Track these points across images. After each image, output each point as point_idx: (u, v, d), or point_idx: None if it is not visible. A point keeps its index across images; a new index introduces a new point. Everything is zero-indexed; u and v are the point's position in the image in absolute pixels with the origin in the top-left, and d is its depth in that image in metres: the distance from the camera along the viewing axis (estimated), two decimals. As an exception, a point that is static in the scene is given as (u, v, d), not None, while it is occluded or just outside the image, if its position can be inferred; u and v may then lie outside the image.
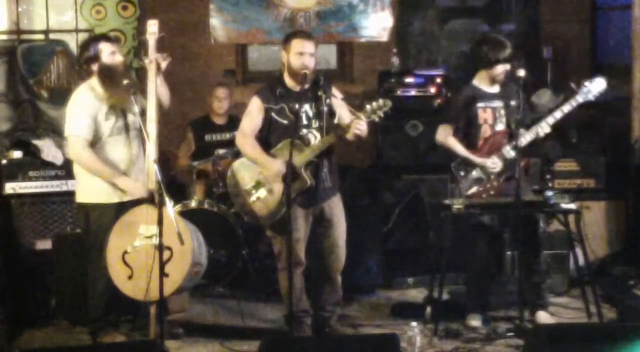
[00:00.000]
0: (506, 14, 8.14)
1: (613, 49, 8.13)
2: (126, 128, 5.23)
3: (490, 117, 5.60)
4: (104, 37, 5.35)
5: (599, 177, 6.91)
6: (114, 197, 5.17)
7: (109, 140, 5.18)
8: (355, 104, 5.61)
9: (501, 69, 5.55)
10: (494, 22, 8.14)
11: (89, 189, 5.22)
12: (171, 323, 5.54)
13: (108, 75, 5.15)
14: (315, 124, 5.29)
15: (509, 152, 5.50)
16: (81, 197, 5.28)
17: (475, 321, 5.58)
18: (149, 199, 5.04)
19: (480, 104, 5.61)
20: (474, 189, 5.57)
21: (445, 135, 5.68)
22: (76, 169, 5.29)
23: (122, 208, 5.15)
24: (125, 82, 5.03)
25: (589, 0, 8.25)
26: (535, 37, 7.85)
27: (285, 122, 5.24)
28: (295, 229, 5.18)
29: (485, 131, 5.61)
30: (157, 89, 5.15)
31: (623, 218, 6.83)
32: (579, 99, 5.49)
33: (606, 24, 8.27)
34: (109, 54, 5.19)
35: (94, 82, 5.22)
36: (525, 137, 5.44)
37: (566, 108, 5.49)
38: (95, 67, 5.19)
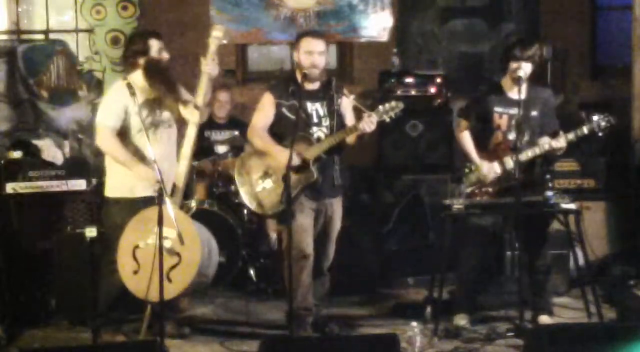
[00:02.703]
0: (506, 14, 8.14)
1: (613, 49, 8.14)
2: (157, 125, 5.24)
3: (505, 124, 5.50)
4: (154, 34, 5.39)
5: (599, 177, 6.91)
6: (136, 192, 5.17)
7: (137, 135, 5.19)
8: (367, 103, 5.65)
9: (515, 66, 5.40)
10: (494, 22, 8.15)
11: (114, 183, 5.26)
12: (178, 322, 5.54)
13: (155, 70, 5.20)
14: (325, 122, 5.34)
15: (510, 162, 5.44)
16: (108, 192, 5.32)
17: (462, 320, 5.59)
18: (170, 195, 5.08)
19: (497, 109, 5.53)
20: (470, 189, 5.58)
21: (460, 130, 5.67)
22: (107, 162, 5.34)
23: (142, 204, 5.12)
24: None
25: (589, 0, 8.25)
26: (535, 37, 7.84)
27: (295, 118, 5.27)
28: (303, 219, 5.24)
29: (498, 137, 5.55)
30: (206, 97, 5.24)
31: (623, 218, 6.82)
32: (585, 130, 5.41)
33: (606, 24, 8.28)
34: (157, 50, 5.25)
35: (135, 75, 5.23)
36: (527, 153, 5.40)
37: (571, 136, 5.42)
38: (142, 60, 5.22)
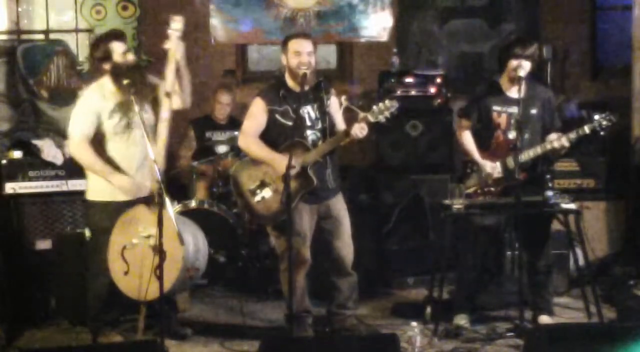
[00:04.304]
0: (506, 14, 8.14)
1: (613, 49, 8.14)
2: (131, 127, 5.21)
3: (504, 123, 5.50)
4: (115, 36, 5.32)
5: (599, 177, 6.91)
6: (117, 196, 5.17)
7: (113, 139, 5.18)
8: (358, 104, 5.62)
9: (515, 64, 5.39)
10: (494, 22, 8.14)
11: (94, 186, 5.25)
12: (179, 323, 5.54)
13: (120, 75, 5.14)
14: (318, 125, 5.31)
15: (511, 162, 5.43)
16: (88, 195, 5.32)
17: (462, 320, 5.58)
18: (150, 199, 5.05)
19: (496, 108, 5.53)
20: (472, 189, 5.58)
21: (461, 129, 5.67)
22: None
23: (125, 207, 5.14)
24: (125, 82, 5.04)
25: (589, 0, 8.25)
26: (535, 37, 7.83)
27: (289, 123, 5.24)
28: (301, 225, 5.22)
29: (499, 137, 5.54)
30: (174, 85, 5.15)
31: (623, 218, 6.83)
32: (587, 129, 5.40)
33: (606, 24, 8.28)
34: (120, 54, 5.18)
35: (104, 80, 5.21)
36: (529, 153, 5.40)
37: (573, 135, 5.41)
38: (107, 66, 5.18)
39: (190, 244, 5.03)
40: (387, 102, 5.19)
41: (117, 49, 5.18)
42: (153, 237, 4.88)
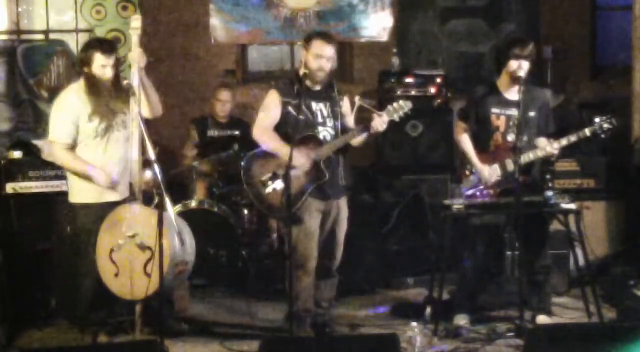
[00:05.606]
0: (506, 14, 8.15)
1: (613, 49, 8.14)
2: (111, 130, 5.21)
3: (503, 125, 5.49)
4: (101, 47, 5.24)
5: (599, 177, 6.90)
6: (101, 198, 5.18)
7: (93, 142, 5.19)
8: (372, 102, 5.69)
9: (515, 65, 5.39)
10: (494, 22, 8.15)
11: (78, 189, 5.25)
12: (175, 319, 5.54)
13: (92, 85, 5.16)
14: (329, 122, 5.34)
15: (510, 164, 5.43)
16: (71, 197, 5.33)
17: (462, 320, 5.58)
18: (132, 198, 5.10)
19: (495, 110, 5.52)
20: (471, 191, 5.57)
21: (459, 132, 5.66)
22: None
23: (108, 208, 5.15)
24: (125, 82, 5.07)
25: (589, 0, 8.25)
26: (535, 37, 7.84)
27: (301, 117, 5.25)
28: (310, 222, 5.24)
29: (497, 139, 5.53)
30: (140, 88, 5.13)
31: (623, 218, 6.82)
32: (587, 132, 5.40)
33: (606, 24, 8.28)
34: (100, 66, 5.17)
35: (82, 83, 5.23)
36: (529, 155, 5.40)
37: (573, 138, 5.41)
38: (86, 70, 5.20)
39: (174, 240, 5.03)
40: (401, 102, 5.29)
41: (98, 61, 5.16)
42: (138, 236, 4.93)
